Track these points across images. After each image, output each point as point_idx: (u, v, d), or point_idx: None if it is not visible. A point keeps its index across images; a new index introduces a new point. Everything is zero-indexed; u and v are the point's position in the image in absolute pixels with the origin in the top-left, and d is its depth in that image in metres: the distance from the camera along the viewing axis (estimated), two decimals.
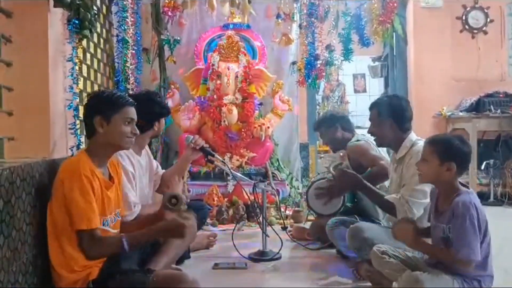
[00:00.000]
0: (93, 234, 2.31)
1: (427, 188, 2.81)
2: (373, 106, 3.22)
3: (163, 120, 3.33)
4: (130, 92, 4.33)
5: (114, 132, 2.46)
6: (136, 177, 3.12)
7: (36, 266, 2.37)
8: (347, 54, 5.17)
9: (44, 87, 2.75)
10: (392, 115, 3.08)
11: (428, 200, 2.81)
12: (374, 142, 3.34)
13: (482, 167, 5.99)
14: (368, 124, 3.27)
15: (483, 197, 5.91)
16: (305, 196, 3.76)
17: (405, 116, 3.11)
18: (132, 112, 2.54)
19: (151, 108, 3.19)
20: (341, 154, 4.07)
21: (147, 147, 3.40)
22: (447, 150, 2.49)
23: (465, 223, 2.34)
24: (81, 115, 3.18)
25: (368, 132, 3.22)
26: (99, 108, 2.45)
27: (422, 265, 2.62)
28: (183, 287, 2.29)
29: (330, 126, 4.08)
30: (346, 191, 3.34)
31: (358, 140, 3.82)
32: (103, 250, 2.35)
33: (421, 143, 2.94)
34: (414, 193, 2.88)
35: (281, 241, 3.61)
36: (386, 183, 3.45)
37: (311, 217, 4.44)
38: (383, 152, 3.80)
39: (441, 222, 2.50)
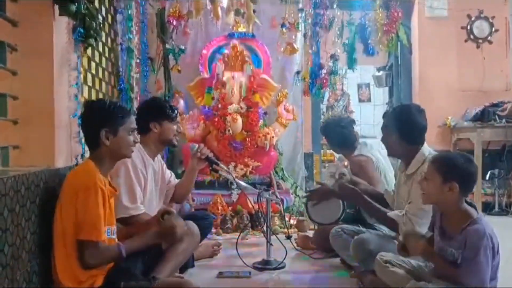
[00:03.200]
0: (99, 245, 2.31)
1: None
2: (384, 116, 3.19)
3: (167, 124, 3.27)
4: (134, 101, 4.34)
5: (120, 144, 2.50)
6: (147, 180, 3.14)
7: (39, 275, 2.37)
8: (351, 63, 5.21)
9: (49, 96, 2.76)
10: (398, 127, 2.96)
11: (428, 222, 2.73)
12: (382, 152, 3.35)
13: (487, 177, 5.96)
14: (373, 133, 3.27)
15: (488, 207, 5.89)
16: (305, 206, 3.73)
17: (414, 128, 2.97)
18: (134, 121, 2.60)
19: (148, 110, 3.24)
20: (346, 163, 4.06)
21: (159, 158, 3.39)
22: (450, 169, 2.39)
23: (479, 256, 2.27)
24: None
25: (381, 140, 3.19)
26: (105, 121, 2.46)
27: (426, 275, 2.60)
28: None
29: (336, 128, 4.01)
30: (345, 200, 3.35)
31: (361, 155, 3.81)
32: (103, 259, 2.36)
33: None
34: (419, 212, 2.80)
35: (285, 250, 3.60)
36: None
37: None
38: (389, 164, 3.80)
39: (450, 246, 2.42)
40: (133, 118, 2.59)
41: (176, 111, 3.34)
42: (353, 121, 4.12)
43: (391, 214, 2.97)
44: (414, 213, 2.82)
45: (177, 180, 3.55)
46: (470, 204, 2.46)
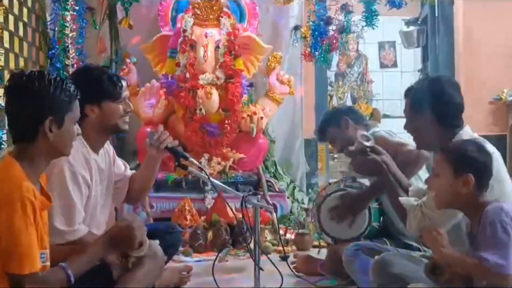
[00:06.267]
0: (36, 277, 2.33)
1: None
2: (407, 94, 3.26)
3: (109, 105, 3.30)
4: (70, 69, 4.35)
5: (64, 138, 2.50)
6: (92, 186, 3.14)
7: None
8: (370, 17, 5.24)
9: None
10: (431, 107, 3.04)
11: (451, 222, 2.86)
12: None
13: None
14: (400, 112, 3.34)
15: None
16: (313, 214, 3.80)
17: (451, 107, 3.08)
18: (78, 106, 2.59)
19: (82, 87, 2.87)
20: None
21: (108, 145, 3.40)
22: (462, 158, 2.60)
23: (496, 230, 2.45)
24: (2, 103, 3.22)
25: (404, 128, 3.26)
26: (51, 106, 2.41)
27: None
28: None
29: (339, 123, 4.09)
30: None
31: (375, 132, 3.88)
32: None
33: None
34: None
35: (281, 276, 3.66)
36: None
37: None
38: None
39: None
40: (77, 102, 2.57)
41: (120, 84, 3.27)
42: (356, 110, 4.25)
43: (403, 199, 3.05)
44: (432, 207, 2.84)
45: (132, 171, 3.57)
46: None
